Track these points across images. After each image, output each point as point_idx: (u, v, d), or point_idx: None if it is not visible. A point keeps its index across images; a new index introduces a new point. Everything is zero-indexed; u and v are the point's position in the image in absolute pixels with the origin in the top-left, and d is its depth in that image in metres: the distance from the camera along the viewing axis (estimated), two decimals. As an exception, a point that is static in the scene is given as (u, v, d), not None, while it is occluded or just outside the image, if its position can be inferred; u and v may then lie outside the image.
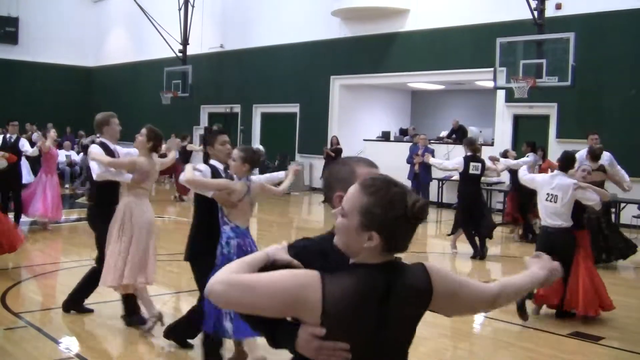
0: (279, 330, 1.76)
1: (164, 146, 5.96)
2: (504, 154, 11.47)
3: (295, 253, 1.81)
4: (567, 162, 6.53)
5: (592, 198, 6.25)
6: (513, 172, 10.99)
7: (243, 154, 4.44)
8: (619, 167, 9.06)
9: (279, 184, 5.18)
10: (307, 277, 1.69)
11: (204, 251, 4.52)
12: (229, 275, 1.68)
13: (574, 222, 6.28)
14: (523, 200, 10.61)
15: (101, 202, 5.60)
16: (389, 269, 1.75)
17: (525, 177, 6.93)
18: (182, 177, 4.52)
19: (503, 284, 1.98)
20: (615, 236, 8.91)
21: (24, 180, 10.86)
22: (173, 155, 6.20)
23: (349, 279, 1.70)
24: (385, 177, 1.75)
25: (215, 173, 4.64)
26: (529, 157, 10.77)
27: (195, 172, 4.51)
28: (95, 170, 5.42)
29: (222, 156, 4.71)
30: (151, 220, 5.39)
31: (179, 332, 5.02)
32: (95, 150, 5.48)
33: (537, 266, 2.08)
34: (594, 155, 8.27)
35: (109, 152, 5.50)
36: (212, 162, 4.78)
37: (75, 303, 5.87)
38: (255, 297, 1.65)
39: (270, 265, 1.75)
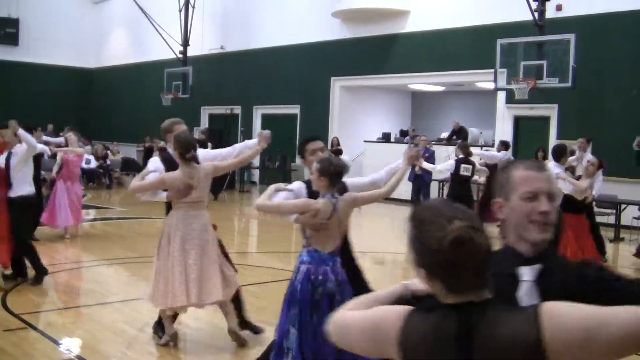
0: None
1: (254, 140, 5.28)
2: None
3: None
4: (556, 154, 7.48)
5: (565, 188, 7.12)
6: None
7: (319, 166, 3.72)
8: (600, 177, 9.41)
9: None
10: (391, 313, 1.52)
11: None
12: (340, 313, 1.60)
13: (564, 206, 7.03)
14: (485, 198, 11.39)
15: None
16: (466, 311, 1.45)
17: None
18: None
19: None
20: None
21: None
22: (255, 151, 5.19)
23: (428, 319, 1.47)
24: (437, 203, 1.55)
25: (311, 189, 3.89)
26: (501, 153, 11.70)
27: (280, 193, 3.85)
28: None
29: None
30: (181, 236, 4.77)
31: None
32: (148, 165, 5.05)
33: None
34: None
35: (172, 163, 5.02)
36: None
37: None
38: (349, 335, 1.56)
39: (410, 297, 1.61)
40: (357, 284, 3.91)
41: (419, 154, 3.95)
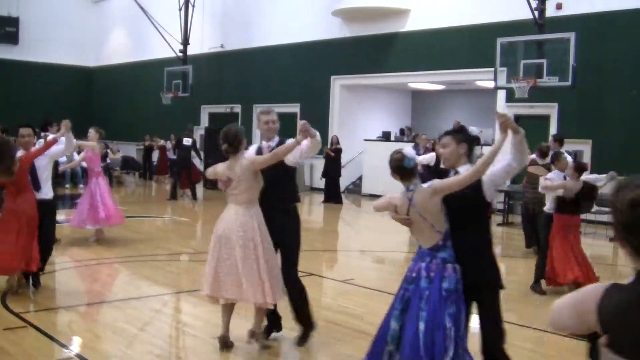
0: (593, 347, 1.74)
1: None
2: None
3: None
4: (552, 161, 7.48)
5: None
6: None
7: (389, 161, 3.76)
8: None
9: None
10: (592, 288, 1.71)
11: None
12: (556, 302, 1.82)
13: (557, 206, 7.13)
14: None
15: None
16: None
17: None
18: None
19: None
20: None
21: None
22: (289, 145, 4.74)
23: (624, 289, 1.64)
24: (636, 176, 1.68)
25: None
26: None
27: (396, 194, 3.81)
28: None
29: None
30: (220, 230, 4.78)
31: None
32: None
33: None
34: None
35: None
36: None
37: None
38: (562, 317, 1.77)
39: None
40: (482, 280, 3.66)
41: (507, 117, 3.69)
